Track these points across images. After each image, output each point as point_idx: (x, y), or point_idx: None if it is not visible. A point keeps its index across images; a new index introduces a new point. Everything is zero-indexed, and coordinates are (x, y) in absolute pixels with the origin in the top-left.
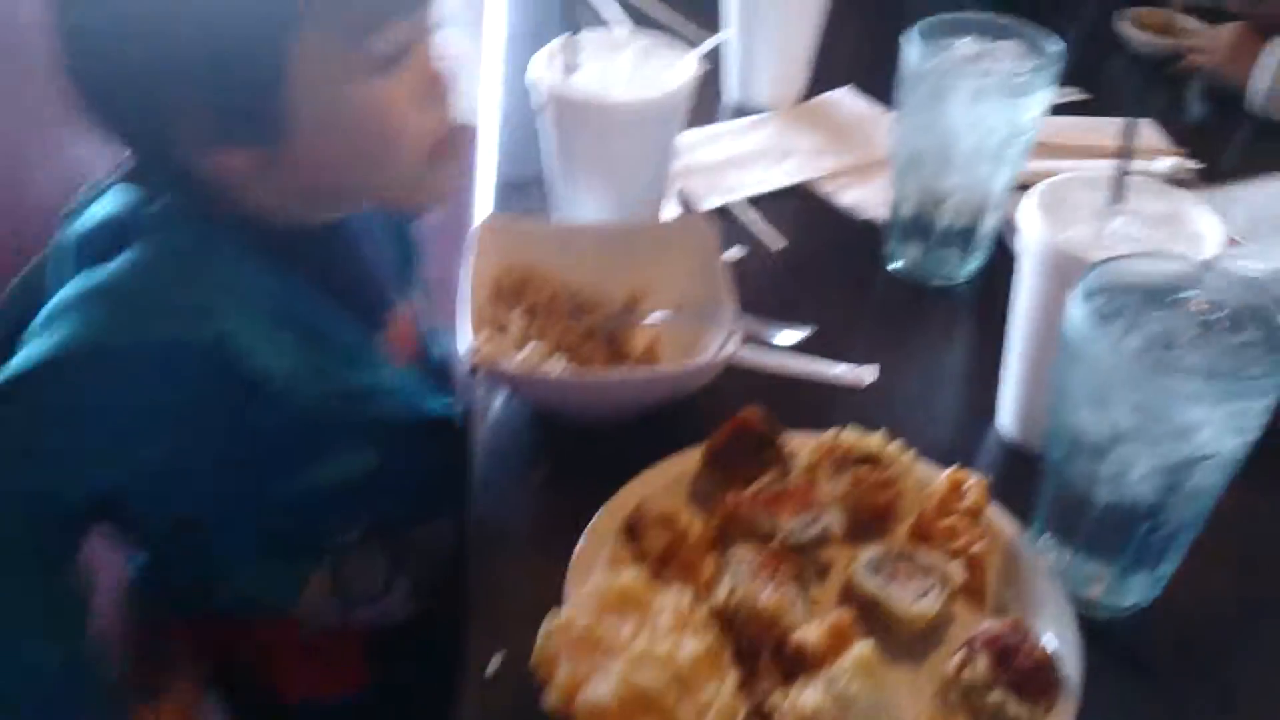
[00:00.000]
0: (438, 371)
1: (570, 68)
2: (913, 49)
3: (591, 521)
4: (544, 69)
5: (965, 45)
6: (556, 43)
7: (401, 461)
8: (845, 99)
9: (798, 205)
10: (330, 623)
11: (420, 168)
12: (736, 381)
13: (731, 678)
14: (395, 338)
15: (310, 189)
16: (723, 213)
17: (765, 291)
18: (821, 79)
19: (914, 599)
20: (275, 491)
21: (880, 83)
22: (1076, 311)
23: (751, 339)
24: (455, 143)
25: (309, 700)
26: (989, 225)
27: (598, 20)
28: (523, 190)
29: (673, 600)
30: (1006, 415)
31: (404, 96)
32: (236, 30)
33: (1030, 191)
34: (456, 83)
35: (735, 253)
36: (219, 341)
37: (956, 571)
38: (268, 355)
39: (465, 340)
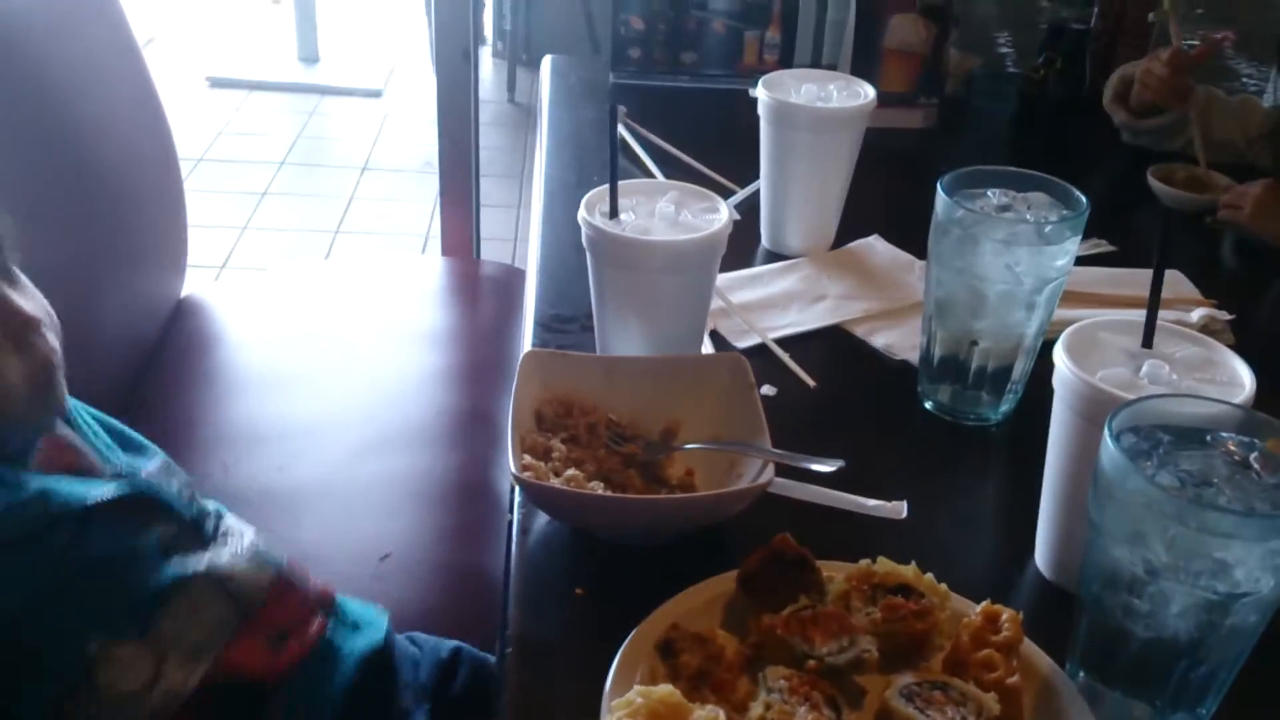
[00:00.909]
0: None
1: (615, 211)
2: (943, 197)
3: (628, 639)
4: (591, 213)
5: (994, 195)
6: (603, 188)
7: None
8: (874, 246)
9: (831, 346)
10: None
11: (18, 408)
12: (770, 510)
13: None
14: (44, 459)
15: None
16: (758, 352)
17: (799, 428)
18: (849, 227)
19: None
20: None
21: (905, 231)
22: (1110, 446)
23: (786, 469)
24: (51, 376)
25: None
26: (1021, 369)
27: (639, 172)
28: (562, 326)
29: (708, 715)
30: (1043, 554)
31: None
32: None
33: (1063, 334)
34: (40, 323)
35: (768, 390)
36: None
37: (992, 703)
38: None
39: (512, 462)
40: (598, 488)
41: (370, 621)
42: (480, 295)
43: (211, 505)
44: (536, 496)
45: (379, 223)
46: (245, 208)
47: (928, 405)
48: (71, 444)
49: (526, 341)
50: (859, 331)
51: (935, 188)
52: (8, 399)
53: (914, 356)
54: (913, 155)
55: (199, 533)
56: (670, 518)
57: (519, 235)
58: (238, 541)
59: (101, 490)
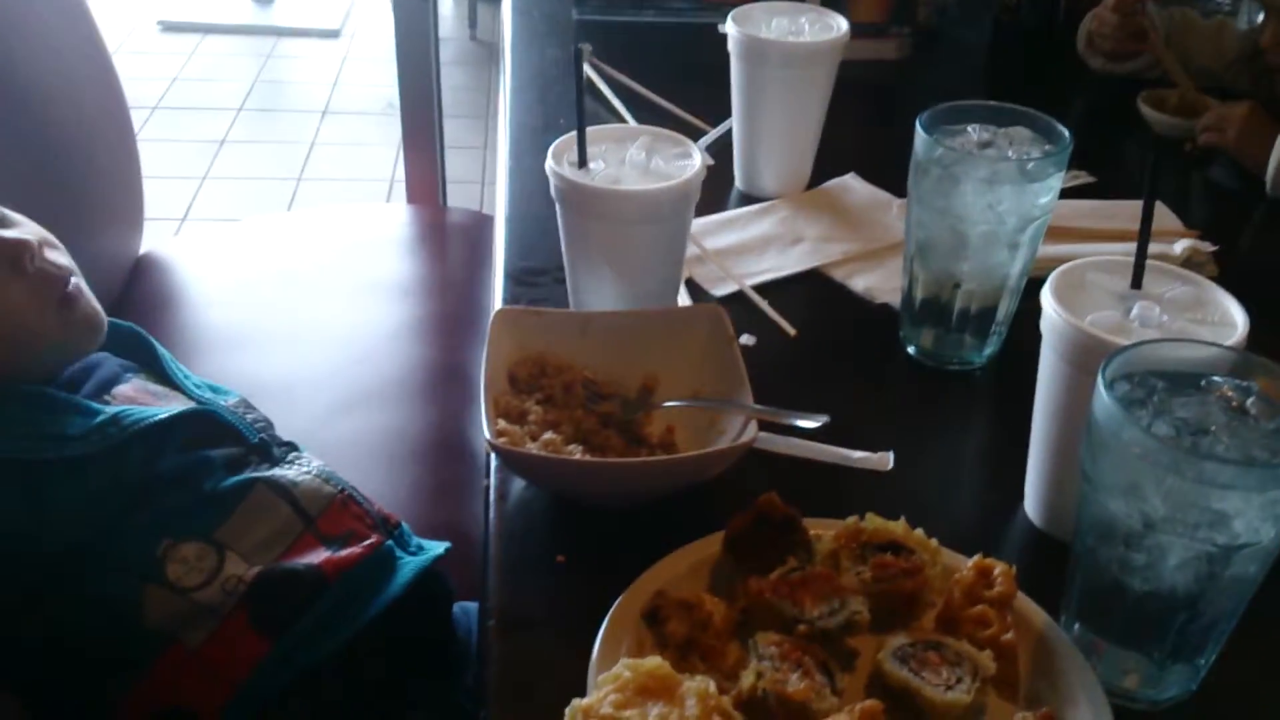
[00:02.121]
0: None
1: (584, 160)
2: (922, 136)
3: (613, 608)
4: (559, 163)
5: (975, 132)
6: (570, 136)
7: (165, 461)
8: (851, 185)
9: (810, 291)
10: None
11: (40, 323)
12: (754, 467)
13: None
14: (124, 398)
15: None
16: (735, 299)
17: (780, 378)
18: (824, 166)
19: (945, 688)
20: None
21: (881, 169)
22: (1103, 397)
23: (768, 425)
24: (66, 288)
25: None
26: (1005, 310)
27: (607, 114)
28: (534, 280)
29: (698, 687)
30: (1033, 503)
31: None
32: None
33: (1050, 276)
34: (31, 246)
35: (748, 340)
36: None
37: (987, 661)
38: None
39: (485, 428)
40: (575, 450)
41: (432, 549)
42: (448, 244)
43: (287, 439)
44: (513, 463)
45: (342, 169)
46: (203, 157)
47: (910, 351)
48: (154, 393)
49: (497, 295)
50: (838, 275)
51: (911, 121)
52: (21, 315)
53: (895, 299)
54: (886, 88)
55: (266, 454)
56: (652, 481)
57: (486, 178)
58: (307, 463)
59: (167, 411)
